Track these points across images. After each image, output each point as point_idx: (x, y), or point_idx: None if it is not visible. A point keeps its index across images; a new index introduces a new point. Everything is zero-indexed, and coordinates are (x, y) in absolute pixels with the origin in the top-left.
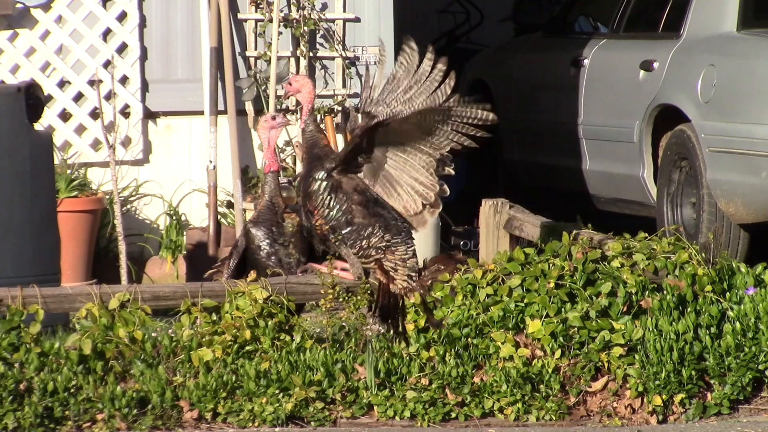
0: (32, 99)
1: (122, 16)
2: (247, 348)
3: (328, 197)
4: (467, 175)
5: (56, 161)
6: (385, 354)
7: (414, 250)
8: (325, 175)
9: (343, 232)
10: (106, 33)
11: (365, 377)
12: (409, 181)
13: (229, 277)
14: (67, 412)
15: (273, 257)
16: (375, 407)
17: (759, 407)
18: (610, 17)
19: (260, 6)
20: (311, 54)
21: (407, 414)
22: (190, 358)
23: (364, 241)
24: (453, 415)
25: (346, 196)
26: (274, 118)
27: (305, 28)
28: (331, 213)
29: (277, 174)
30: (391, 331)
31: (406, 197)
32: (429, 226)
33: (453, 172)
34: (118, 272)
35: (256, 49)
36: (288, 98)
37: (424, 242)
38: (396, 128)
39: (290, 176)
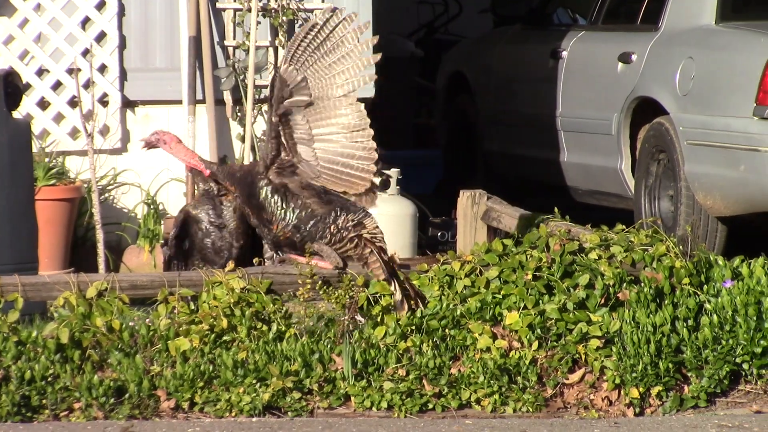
0: (10, 87)
1: (101, 5)
2: (225, 337)
3: (280, 201)
4: (445, 166)
5: (34, 149)
6: (363, 345)
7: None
8: (266, 182)
9: (308, 227)
10: (85, 21)
11: (342, 368)
12: (344, 160)
13: (172, 253)
14: (44, 401)
15: (207, 239)
16: (352, 398)
17: (736, 400)
18: (588, 9)
19: None
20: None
21: (384, 405)
22: (168, 348)
23: (332, 226)
24: (430, 406)
25: (295, 194)
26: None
27: (284, 18)
28: (289, 214)
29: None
30: (403, 297)
31: (347, 179)
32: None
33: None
34: (95, 261)
35: (234, 38)
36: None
37: (401, 233)
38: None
39: None
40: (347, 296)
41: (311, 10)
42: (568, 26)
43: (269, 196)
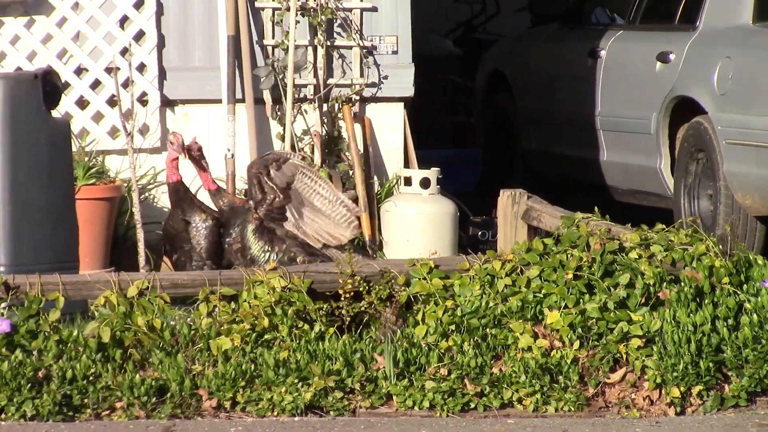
0: (49, 86)
1: (139, 4)
2: (266, 336)
3: (265, 244)
4: (485, 165)
5: (74, 148)
6: (404, 344)
7: None
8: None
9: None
10: (124, 20)
11: (384, 367)
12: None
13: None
14: (85, 400)
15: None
16: (394, 397)
17: None
18: (626, 9)
19: None
20: (329, 43)
21: (426, 404)
22: (209, 347)
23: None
24: (472, 405)
25: (281, 239)
26: (171, 143)
27: (323, 17)
28: (272, 257)
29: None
30: None
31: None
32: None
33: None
34: (136, 260)
35: (273, 37)
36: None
37: (441, 232)
38: None
39: (308, 165)
40: (386, 294)
41: (350, 9)
42: (606, 25)
43: (254, 235)
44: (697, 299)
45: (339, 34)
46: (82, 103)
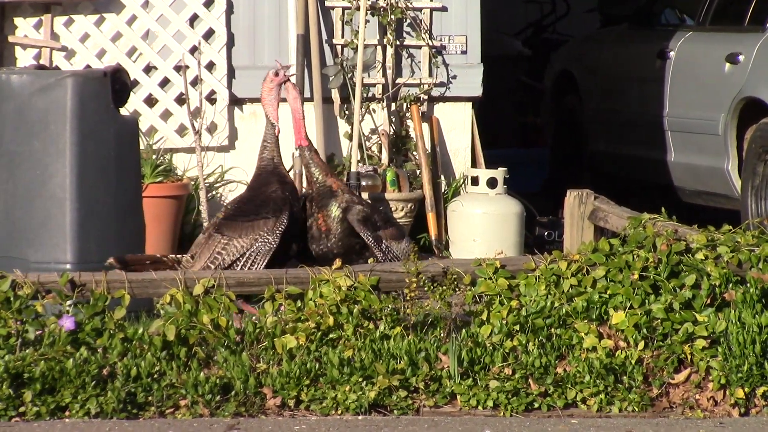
0: (118, 84)
1: (209, 2)
2: (331, 335)
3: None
4: (552, 165)
5: (142, 146)
6: (469, 343)
7: None
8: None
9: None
10: (193, 19)
11: (448, 366)
12: None
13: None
14: (150, 398)
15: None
16: (458, 396)
17: None
18: (695, 9)
19: None
20: (398, 42)
21: (490, 403)
22: (274, 345)
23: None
24: (536, 405)
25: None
26: (276, 74)
27: (392, 17)
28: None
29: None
30: None
31: None
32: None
33: None
34: None
35: (343, 36)
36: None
37: (508, 232)
38: None
39: (375, 164)
40: (451, 293)
41: (420, 9)
42: (675, 26)
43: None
44: (763, 300)
45: (408, 33)
46: (150, 101)
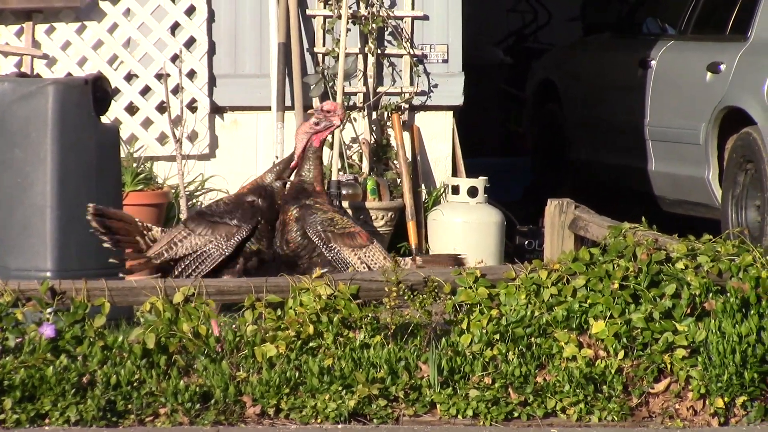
0: (99, 92)
1: (190, 10)
2: (311, 344)
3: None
4: (534, 174)
5: (122, 154)
6: (449, 352)
7: None
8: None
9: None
10: (174, 27)
11: (428, 375)
12: None
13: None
14: (129, 406)
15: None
16: (438, 405)
17: None
18: (677, 18)
19: (329, 2)
20: (379, 51)
21: (470, 413)
22: (254, 354)
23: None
24: (515, 414)
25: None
26: (317, 123)
27: (373, 25)
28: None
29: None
30: None
31: None
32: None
33: None
34: None
35: (324, 45)
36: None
37: (487, 241)
38: None
39: (356, 173)
40: (431, 302)
41: (401, 18)
42: (657, 35)
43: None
44: (743, 310)
45: (389, 42)
46: (131, 109)
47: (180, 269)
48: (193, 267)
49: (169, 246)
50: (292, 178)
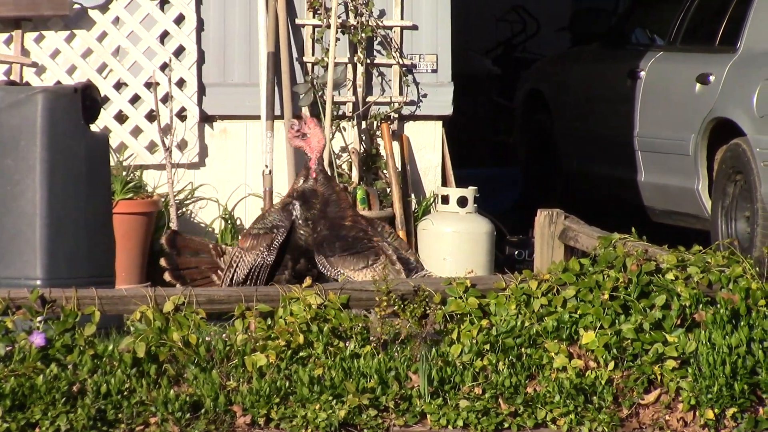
0: (89, 100)
1: (180, 19)
2: (301, 354)
3: None
4: (524, 184)
5: (112, 163)
6: (439, 362)
7: None
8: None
9: None
10: (164, 36)
11: (418, 385)
12: None
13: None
14: (120, 415)
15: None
16: (428, 416)
17: None
18: (667, 30)
19: (318, 12)
20: (368, 60)
21: (460, 423)
22: (244, 363)
23: None
24: (506, 425)
25: None
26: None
27: (363, 35)
28: None
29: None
30: None
31: None
32: (484, 235)
33: None
34: None
35: (313, 54)
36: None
37: (477, 251)
38: None
39: (345, 182)
40: (421, 311)
41: (390, 28)
42: (646, 46)
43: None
44: (733, 321)
45: (379, 51)
46: (121, 118)
47: (259, 283)
48: (263, 279)
49: (232, 272)
50: None
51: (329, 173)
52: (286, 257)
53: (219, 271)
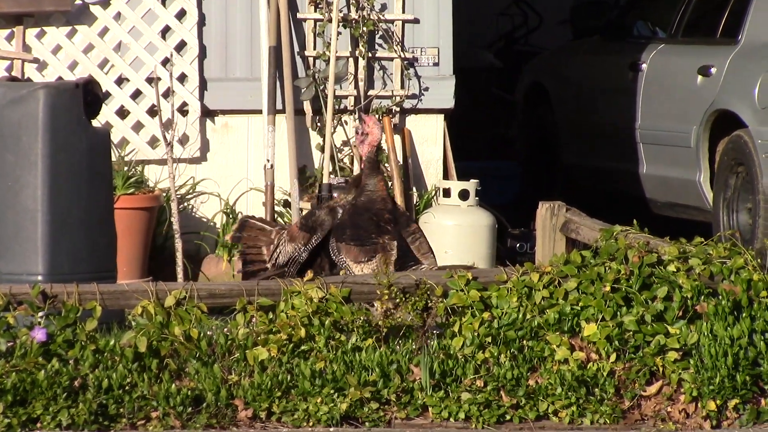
0: (90, 96)
1: (181, 14)
2: (303, 347)
3: None
4: (525, 177)
5: (113, 158)
6: (441, 355)
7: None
8: None
9: None
10: (165, 31)
11: (420, 378)
12: None
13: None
14: (121, 410)
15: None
16: (430, 408)
17: None
18: (668, 22)
19: (319, 6)
20: (370, 54)
21: (462, 415)
22: (246, 357)
23: None
24: (507, 417)
25: None
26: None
27: (364, 29)
28: None
29: None
30: None
31: None
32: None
33: None
34: (174, 270)
35: (315, 48)
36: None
37: (479, 244)
38: None
39: (347, 176)
40: (423, 304)
41: (392, 21)
42: (648, 39)
43: None
44: (735, 313)
45: (380, 45)
46: (122, 113)
47: (289, 275)
48: (293, 271)
49: (277, 254)
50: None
51: (378, 165)
52: (322, 255)
53: (270, 246)
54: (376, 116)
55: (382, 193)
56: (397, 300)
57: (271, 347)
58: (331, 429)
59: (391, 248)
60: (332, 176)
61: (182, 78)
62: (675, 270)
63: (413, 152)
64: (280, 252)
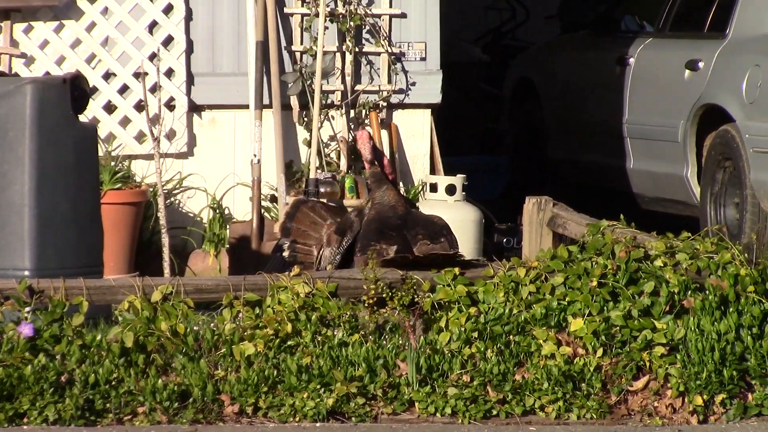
0: (77, 90)
1: (168, 9)
2: (289, 342)
3: None
4: (512, 172)
5: (100, 153)
6: (427, 350)
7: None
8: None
9: None
10: (152, 25)
11: (407, 373)
12: None
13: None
14: (108, 405)
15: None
16: (416, 403)
17: None
18: (656, 16)
19: (306, 0)
20: (357, 49)
21: (448, 411)
22: (232, 352)
23: None
24: (494, 412)
25: None
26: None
27: (351, 23)
28: None
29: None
30: None
31: None
32: (472, 223)
33: None
34: (160, 265)
35: (302, 43)
36: (335, 93)
37: (466, 238)
38: None
39: (334, 171)
40: (409, 299)
41: (379, 16)
42: (635, 33)
43: None
44: (722, 308)
45: (367, 40)
46: (109, 108)
47: None
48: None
49: (321, 254)
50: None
51: (380, 177)
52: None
53: (319, 247)
54: (366, 130)
55: (390, 201)
56: (384, 295)
57: (257, 342)
58: (318, 424)
59: (388, 253)
60: (319, 171)
61: (169, 73)
62: (662, 265)
63: (400, 147)
64: (322, 255)
